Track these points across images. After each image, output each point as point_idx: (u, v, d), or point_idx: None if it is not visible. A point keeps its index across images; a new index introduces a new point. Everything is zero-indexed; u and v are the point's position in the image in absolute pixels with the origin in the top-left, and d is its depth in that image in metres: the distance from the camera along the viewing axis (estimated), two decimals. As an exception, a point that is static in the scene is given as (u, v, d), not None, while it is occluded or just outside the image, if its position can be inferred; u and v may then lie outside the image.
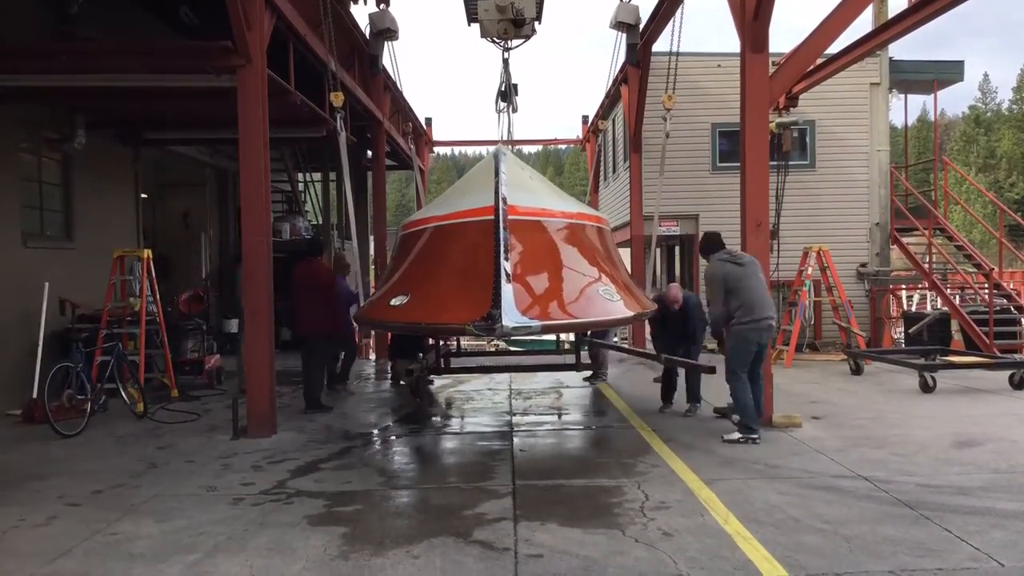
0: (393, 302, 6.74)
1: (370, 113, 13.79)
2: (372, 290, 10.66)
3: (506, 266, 5.50)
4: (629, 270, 16.19)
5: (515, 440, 7.65)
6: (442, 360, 10.69)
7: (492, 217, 5.73)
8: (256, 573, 4.37)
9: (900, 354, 12.55)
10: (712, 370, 7.54)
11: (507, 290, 5.38)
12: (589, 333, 10.25)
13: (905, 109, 17.28)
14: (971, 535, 4.69)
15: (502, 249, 5.53)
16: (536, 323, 5.65)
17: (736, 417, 7.52)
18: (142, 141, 12.56)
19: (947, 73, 16.01)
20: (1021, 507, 5.22)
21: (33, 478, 6.42)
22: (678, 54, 10.98)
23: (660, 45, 13.70)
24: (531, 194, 7.17)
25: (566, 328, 6.98)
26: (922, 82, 16.06)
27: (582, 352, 10.35)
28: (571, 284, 6.60)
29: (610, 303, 6.62)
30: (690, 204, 15.59)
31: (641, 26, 12.77)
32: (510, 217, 5.91)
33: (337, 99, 8.87)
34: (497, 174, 5.93)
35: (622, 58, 14.22)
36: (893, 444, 7.09)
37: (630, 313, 6.85)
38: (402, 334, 9.79)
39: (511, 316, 5.30)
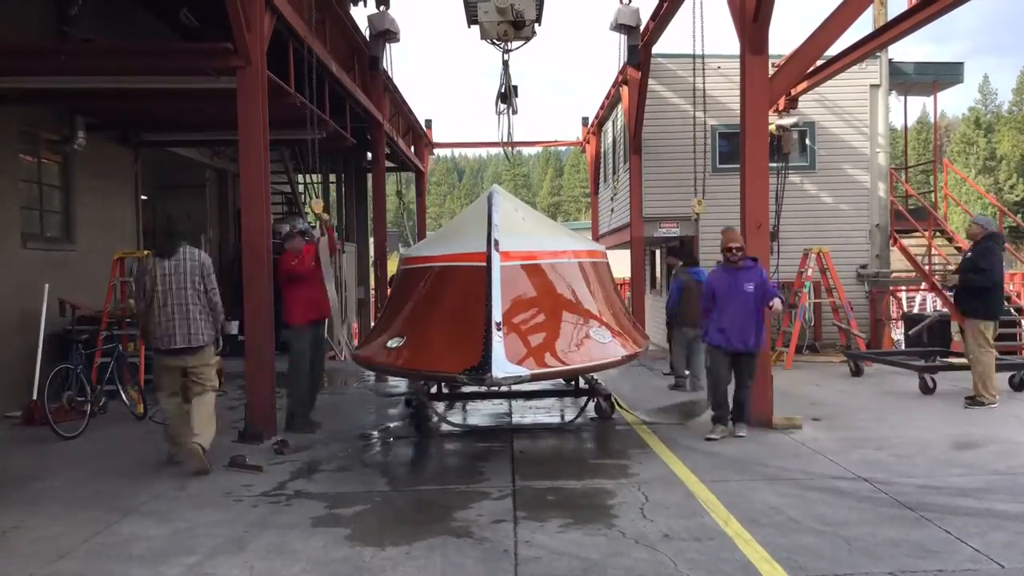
0: (390, 344, 6.83)
1: (370, 115, 13.79)
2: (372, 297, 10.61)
3: (497, 316, 5.72)
4: (628, 272, 16.28)
5: (515, 441, 7.65)
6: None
7: (484, 264, 5.96)
8: (256, 574, 4.37)
9: (900, 356, 12.54)
10: None
11: (497, 339, 5.63)
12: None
13: (905, 111, 17.33)
14: (971, 536, 4.69)
15: (494, 300, 5.76)
16: (526, 372, 5.83)
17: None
18: (142, 142, 12.56)
19: (947, 75, 16.03)
20: (1021, 508, 5.22)
21: (33, 479, 6.42)
22: (692, 56, 10.99)
23: (660, 47, 13.73)
24: (524, 236, 7.13)
25: (557, 375, 7.10)
26: (922, 84, 16.07)
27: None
28: (563, 328, 6.69)
29: (601, 345, 6.71)
30: (690, 205, 15.55)
31: (641, 28, 12.78)
32: (502, 263, 6.09)
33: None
34: (490, 223, 6.16)
35: (622, 59, 14.22)
36: (893, 445, 7.09)
37: (621, 355, 6.91)
38: None
39: (501, 366, 5.58)
